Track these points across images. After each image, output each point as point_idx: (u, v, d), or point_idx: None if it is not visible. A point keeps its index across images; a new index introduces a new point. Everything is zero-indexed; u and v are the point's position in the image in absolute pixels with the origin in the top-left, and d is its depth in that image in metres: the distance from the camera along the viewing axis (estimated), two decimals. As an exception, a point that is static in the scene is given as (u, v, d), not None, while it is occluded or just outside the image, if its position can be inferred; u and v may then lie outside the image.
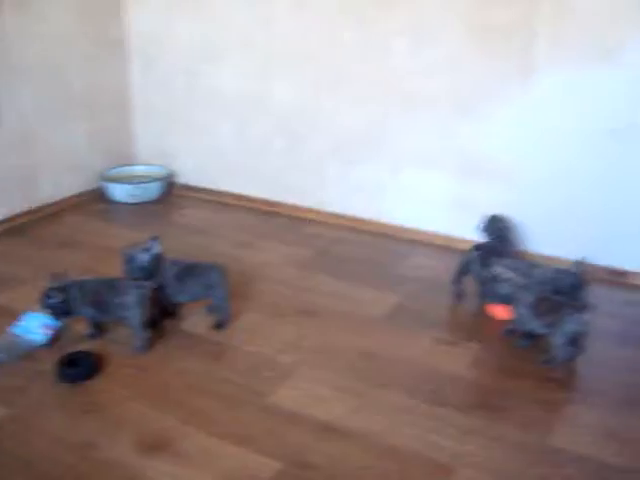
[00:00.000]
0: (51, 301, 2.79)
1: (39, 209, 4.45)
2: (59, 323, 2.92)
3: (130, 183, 4.73)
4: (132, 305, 2.75)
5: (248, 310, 3.22)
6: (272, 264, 3.75)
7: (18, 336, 2.87)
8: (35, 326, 2.90)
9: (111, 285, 2.82)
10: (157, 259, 2.96)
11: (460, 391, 2.69)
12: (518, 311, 2.89)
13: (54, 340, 2.91)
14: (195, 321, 3.10)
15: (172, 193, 4.89)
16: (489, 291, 3.00)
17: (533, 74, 3.57)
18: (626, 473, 2.28)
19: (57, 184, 4.56)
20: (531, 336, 2.91)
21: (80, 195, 4.72)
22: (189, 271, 2.98)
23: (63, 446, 2.32)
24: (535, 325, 2.83)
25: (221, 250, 3.93)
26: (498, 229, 3.59)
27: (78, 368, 2.69)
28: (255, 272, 3.63)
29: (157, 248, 2.96)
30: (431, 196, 4.04)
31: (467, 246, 3.54)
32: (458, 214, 3.97)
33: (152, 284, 2.85)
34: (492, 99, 3.71)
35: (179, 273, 2.97)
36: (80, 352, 2.78)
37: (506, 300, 2.95)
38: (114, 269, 3.15)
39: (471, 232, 3.83)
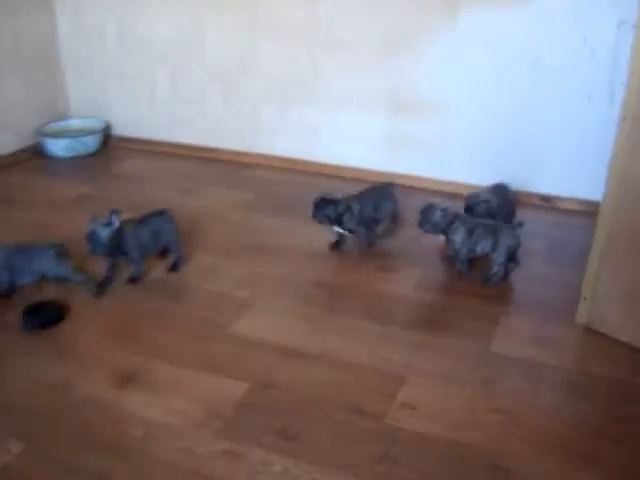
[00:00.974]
0: None
1: (-24, 168, 4.44)
2: None
3: (67, 137, 4.74)
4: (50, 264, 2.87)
5: (200, 252, 3.35)
6: (217, 208, 3.87)
7: None
8: None
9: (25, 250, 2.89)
10: (118, 233, 2.92)
11: (406, 311, 2.92)
12: (454, 239, 3.10)
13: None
14: (149, 267, 3.21)
15: (110, 145, 4.93)
16: (426, 220, 3.19)
17: (457, 14, 3.75)
18: (556, 370, 2.55)
19: (-8, 143, 4.55)
20: (469, 260, 3.13)
21: (17, 153, 4.69)
22: (142, 225, 3.05)
23: (40, 388, 2.44)
24: (475, 249, 3.06)
25: (165, 198, 4.02)
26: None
27: (43, 315, 2.79)
28: (202, 216, 3.75)
29: (117, 222, 2.92)
30: (365, 134, 4.21)
31: (402, 181, 3.78)
32: (391, 150, 4.16)
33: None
34: (420, 39, 3.87)
35: (136, 232, 3.01)
36: (43, 301, 2.87)
37: (442, 229, 3.15)
38: (60, 221, 3.22)
39: (404, 167, 4.05)
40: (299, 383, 2.45)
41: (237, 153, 4.56)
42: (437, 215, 3.11)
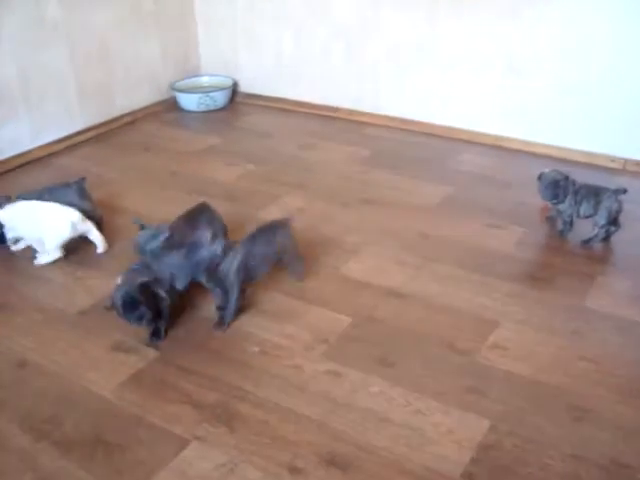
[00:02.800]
0: None
1: (116, 119, 4.88)
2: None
3: (198, 93, 5.10)
4: None
5: (316, 200, 3.62)
6: (334, 162, 4.12)
7: None
8: None
9: None
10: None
11: (506, 264, 3.07)
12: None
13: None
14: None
15: (236, 101, 5.26)
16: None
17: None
18: (648, 327, 2.66)
19: (131, 95, 4.97)
20: (571, 223, 3.24)
21: (153, 105, 5.12)
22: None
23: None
24: (578, 211, 3.16)
25: (286, 151, 4.32)
26: None
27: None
28: (319, 169, 4.01)
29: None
30: (480, 98, 4.31)
31: (514, 145, 3.89)
32: (505, 114, 4.26)
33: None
34: (539, 3, 3.93)
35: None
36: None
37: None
38: (190, 169, 3.56)
39: (516, 131, 4.15)
40: (398, 320, 2.68)
41: (356, 112, 4.77)
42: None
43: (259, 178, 3.92)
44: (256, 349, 2.53)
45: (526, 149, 4.18)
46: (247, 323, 2.69)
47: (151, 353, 2.53)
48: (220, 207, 3.22)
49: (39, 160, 4.34)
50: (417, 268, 3.02)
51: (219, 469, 2.05)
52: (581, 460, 2.06)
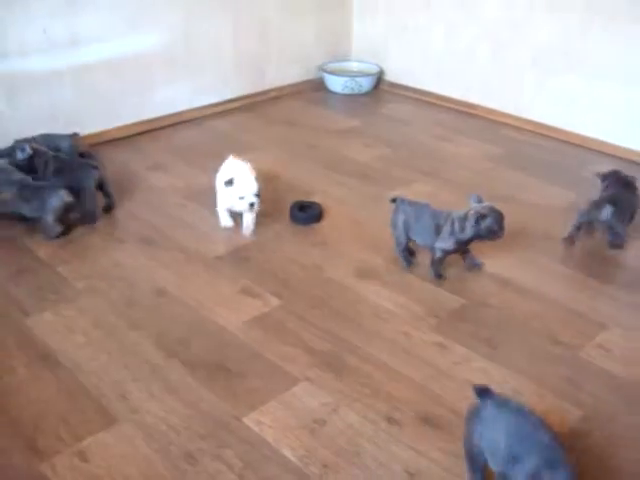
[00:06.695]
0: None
1: (266, 92, 5.19)
2: None
3: (345, 76, 5.32)
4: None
5: (445, 190, 3.75)
6: (466, 156, 4.24)
7: None
8: None
9: None
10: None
11: (628, 275, 3.11)
12: None
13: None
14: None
15: (380, 89, 5.44)
16: None
17: None
18: None
19: (283, 72, 5.26)
20: None
21: (301, 83, 5.39)
22: None
23: (297, 265, 3.04)
24: None
25: (421, 140, 4.48)
26: None
27: (307, 213, 3.38)
28: (451, 160, 4.14)
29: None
30: (624, 111, 4.27)
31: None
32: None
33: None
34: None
35: None
36: (307, 202, 3.47)
37: None
38: (329, 146, 3.72)
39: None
40: (510, 309, 2.80)
41: (495, 111, 4.83)
42: None
43: (393, 162, 4.10)
44: (370, 312, 2.72)
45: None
46: (364, 288, 2.89)
47: (275, 301, 2.77)
48: (352, 184, 3.42)
49: (192, 121, 4.70)
50: (537, 266, 3.11)
51: (323, 407, 2.26)
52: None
